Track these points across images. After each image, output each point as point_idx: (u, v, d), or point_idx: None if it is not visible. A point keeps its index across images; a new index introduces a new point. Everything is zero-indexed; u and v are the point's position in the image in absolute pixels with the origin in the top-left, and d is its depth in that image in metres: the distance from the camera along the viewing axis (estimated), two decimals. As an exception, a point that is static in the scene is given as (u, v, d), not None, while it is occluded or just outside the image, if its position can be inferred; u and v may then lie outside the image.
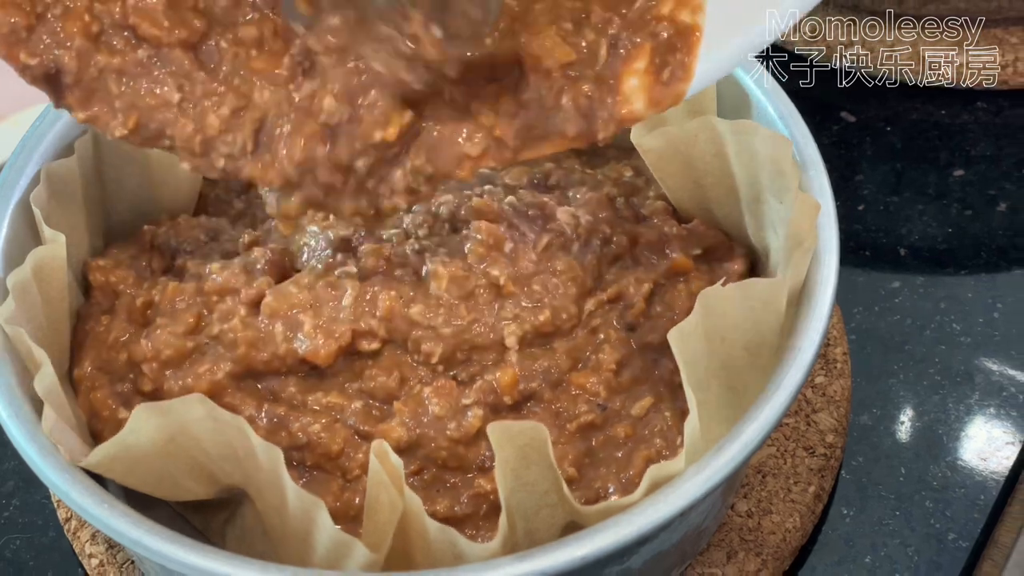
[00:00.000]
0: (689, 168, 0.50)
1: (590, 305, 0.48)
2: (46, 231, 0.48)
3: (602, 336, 0.47)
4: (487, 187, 0.53)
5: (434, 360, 0.46)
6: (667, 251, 0.49)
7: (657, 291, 0.49)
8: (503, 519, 0.40)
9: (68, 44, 0.42)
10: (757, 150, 0.47)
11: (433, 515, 0.44)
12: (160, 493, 0.44)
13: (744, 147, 0.47)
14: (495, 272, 0.47)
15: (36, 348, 0.44)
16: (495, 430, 0.40)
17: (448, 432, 0.45)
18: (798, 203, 0.45)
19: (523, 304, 0.47)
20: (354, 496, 0.45)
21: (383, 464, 0.40)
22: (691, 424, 0.41)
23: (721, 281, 0.45)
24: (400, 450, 0.44)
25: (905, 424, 0.57)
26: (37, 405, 0.44)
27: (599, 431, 0.46)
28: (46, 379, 0.44)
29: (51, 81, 0.43)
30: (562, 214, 0.49)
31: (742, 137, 0.47)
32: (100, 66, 0.43)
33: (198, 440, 0.42)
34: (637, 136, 0.50)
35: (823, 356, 0.57)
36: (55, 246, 0.48)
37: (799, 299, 0.44)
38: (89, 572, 0.53)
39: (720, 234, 0.50)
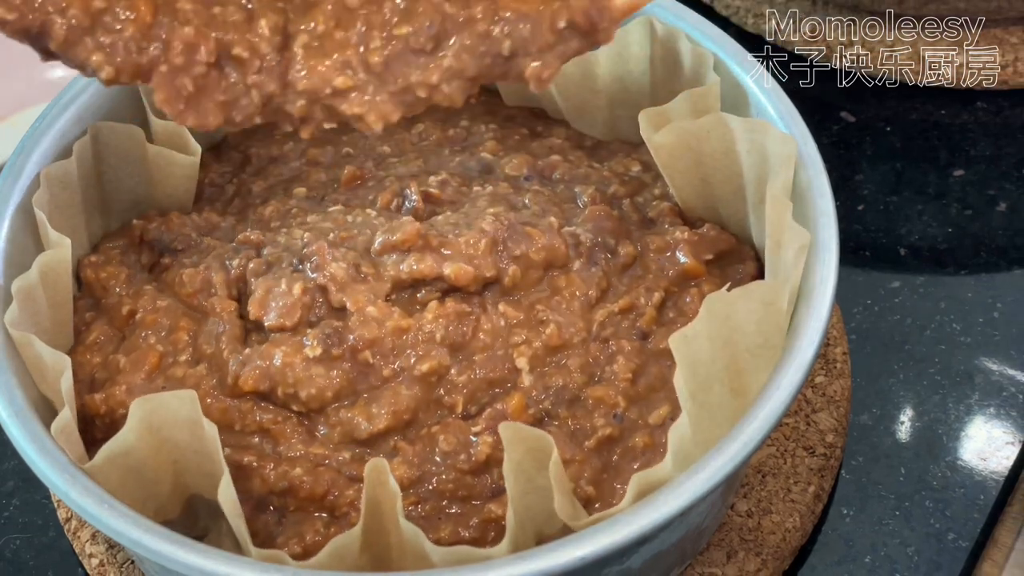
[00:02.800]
0: (698, 165, 0.50)
1: (599, 316, 0.48)
2: (51, 235, 0.48)
3: (614, 347, 0.47)
4: (488, 187, 0.53)
5: (459, 410, 0.46)
6: (678, 256, 0.49)
7: (669, 297, 0.49)
8: (510, 516, 0.40)
9: (62, 7, 0.39)
10: (768, 150, 0.47)
11: (437, 543, 0.43)
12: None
13: (755, 146, 0.47)
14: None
15: (55, 353, 0.44)
16: (507, 429, 0.40)
17: (458, 465, 0.45)
18: (772, 205, 0.45)
19: (528, 324, 0.47)
20: (341, 532, 0.44)
21: (381, 490, 0.40)
22: (680, 429, 0.41)
23: (727, 286, 0.45)
24: (402, 487, 0.43)
25: (905, 424, 0.57)
26: (38, 406, 0.44)
27: (617, 444, 0.45)
28: (68, 382, 0.44)
29: (33, 39, 0.40)
30: (560, 238, 0.49)
31: (754, 136, 0.47)
32: (88, 52, 0.40)
33: (183, 450, 0.42)
34: (647, 132, 0.49)
35: (823, 356, 0.57)
36: (61, 250, 0.48)
37: (799, 299, 0.44)
38: (89, 572, 0.53)
39: (731, 238, 0.50)
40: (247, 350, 0.47)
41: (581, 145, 0.56)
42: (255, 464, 0.45)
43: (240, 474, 0.44)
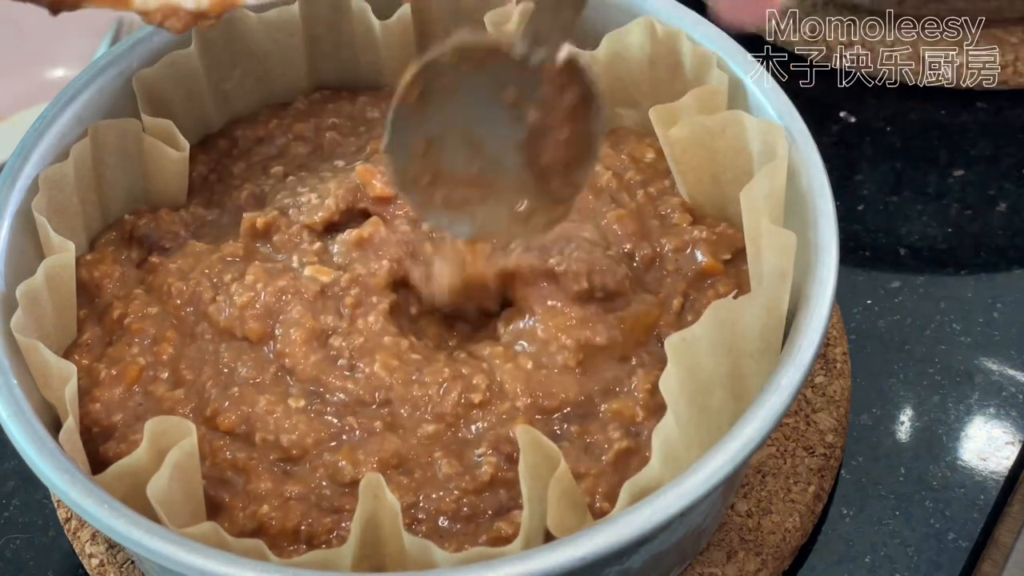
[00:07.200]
0: (711, 162, 0.50)
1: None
2: (54, 238, 0.48)
3: (634, 361, 0.47)
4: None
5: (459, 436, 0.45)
6: (696, 255, 0.49)
7: (686, 301, 0.49)
8: (525, 515, 0.40)
9: None
10: (777, 155, 0.46)
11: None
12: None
13: (767, 148, 0.47)
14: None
15: (61, 360, 0.44)
16: (525, 433, 0.40)
17: (462, 486, 0.44)
18: (748, 211, 0.45)
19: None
20: None
21: (378, 504, 0.40)
22: (665, 430, 0.41)
23: (733, 294, 0.45)
24: None
25: (905, 424, 0.57)
26: (38, 407, 0.44)
27: (634, 455, 0.45)
28: (72, 391, 0.44)
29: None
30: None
31: (767, 137, 0.47)
32: None
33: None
34: (661, 128, 0.49)
35: (823, 356, 0.57)
36: (66, 255, 0.48)
37: (799, 299, 0.44)
38: (89, 572, 0.53)
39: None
40: (234, 389, 0.47)
41: None
42: (227, 501, 0.44)
43: (211, 512, 0.44)
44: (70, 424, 0.43)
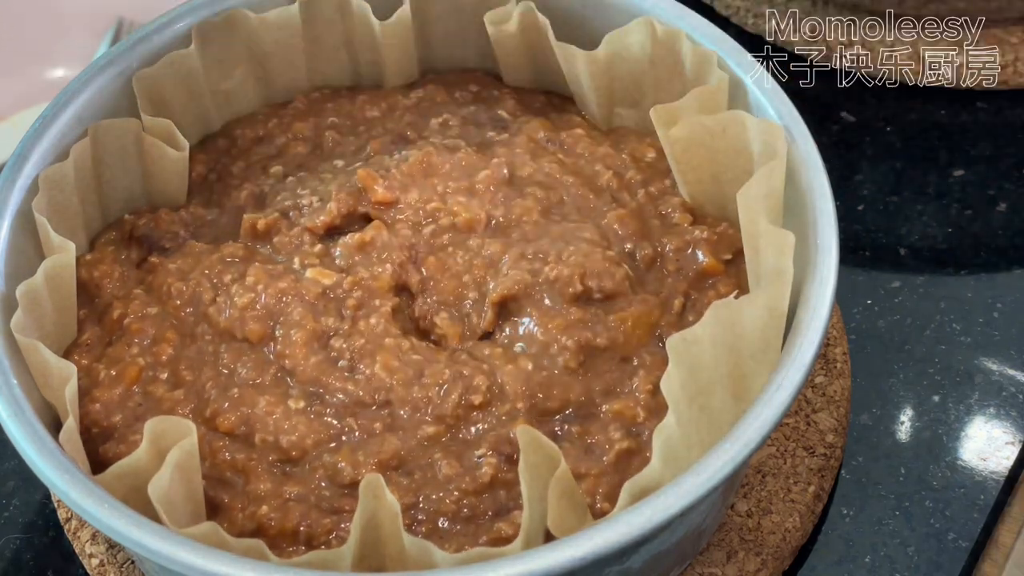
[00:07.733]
0: (711, 162, 0.50)
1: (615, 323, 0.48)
2: (54, 238, 0.48)
3: (635, 361, 0.47)
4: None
5: (458, 438, 0.45)
6: (697, 255, 0.49)
7: (687, 301, 0.49)
8: (525, 515, 0.40)
9: None
10: (778, 155, 0.46)
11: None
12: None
13: (767, 148, 0.47)
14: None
15: (61, 360, 0.44)
16: (525, 433, 0.40)
17: (462, 487, 0.44)
18: (744, 211, 0.45)
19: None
20: None
21: (378, 504, 0.40)
22: (667, 430, 0.41)
23: (734, 294, 0.45)
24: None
25: (905, 424, 0.57)
26: (38, 407, 0.44)
27: (636, 456, 0.45)
28: (72, 391, 0.44)
29: None
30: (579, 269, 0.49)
31: (767, 138, 0.47)
32: None
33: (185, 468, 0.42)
34: (662, 127, 0.49)
35: (823, 356, 0.57)
36: (66, 255, 0.48)
37: (799, 299, 0.44)
38: (89, 572, 0.53)
39: None
40: (234, 390, 0.47)
41: (596, 127, 0.56)
42: (226, 502, 0.44)
43: (210, 513, 0.44)
44: (70, 424, 0.43)
